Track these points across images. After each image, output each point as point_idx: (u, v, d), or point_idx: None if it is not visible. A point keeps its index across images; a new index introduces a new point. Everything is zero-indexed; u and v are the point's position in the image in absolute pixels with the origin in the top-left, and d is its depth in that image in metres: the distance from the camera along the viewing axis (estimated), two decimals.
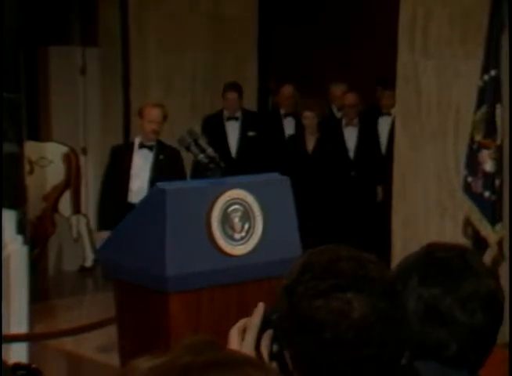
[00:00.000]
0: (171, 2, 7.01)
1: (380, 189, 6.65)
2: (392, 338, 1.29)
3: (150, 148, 5.29)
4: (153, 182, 5.11)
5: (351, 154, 6.63)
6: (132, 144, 5.39)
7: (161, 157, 5.26)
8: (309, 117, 6.27)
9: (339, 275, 1.29)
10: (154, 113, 5.27)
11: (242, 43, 7.37)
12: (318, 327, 1.27)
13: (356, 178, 6.62)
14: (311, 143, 6.36)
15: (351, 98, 6.67)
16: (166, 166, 5.23)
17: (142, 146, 5.30)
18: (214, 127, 6.57)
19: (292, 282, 1.31)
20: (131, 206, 5.10)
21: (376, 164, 6.58)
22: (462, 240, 4.34)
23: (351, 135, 6.65)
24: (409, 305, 1.50)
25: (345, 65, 7.88)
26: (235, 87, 6.60)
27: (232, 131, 6.69)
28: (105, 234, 5.08)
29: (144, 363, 0.98)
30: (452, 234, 4.56)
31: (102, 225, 5.23)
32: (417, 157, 5.01)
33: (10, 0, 4.95)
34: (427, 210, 4.96)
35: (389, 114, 6.91)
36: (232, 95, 6.55)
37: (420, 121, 4.97)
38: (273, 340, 1.37)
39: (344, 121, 6.69)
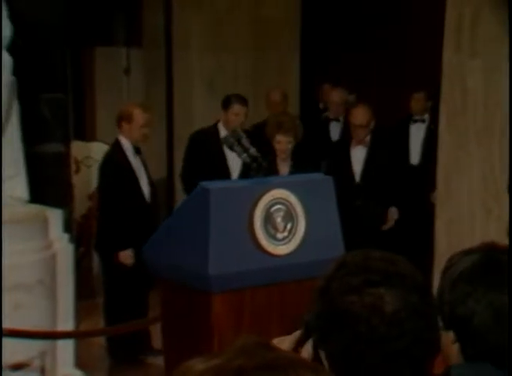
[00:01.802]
0: (213, 4, 7.05)
1: (393, 211, 5.69)
2: (424, 333, 1.31)
3: (139, 152, 5.24)
4: (152, 183, 5.29)
5: (357, 178, 5.67)
6: (121, 149, 5.15)
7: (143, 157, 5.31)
8: (283, 142, 5.14)
9: (372, 271, 1.33)
10: (146, 118, 5.12)
11: (284, 44, 7.38)
12: (352, 321, 1.30)
13: (362, 207, 5.63)
14: (284, 171, 5.26)
15: (359, 117, 5.57)
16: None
17: (137, 151, 5.19)
18: (208, 146, 5.56)
19: (327, 280, 1.35)
20: (147, 208, 5.21)
21: (390, 185, 5.64)
22: (506, 241, 4.29)
23: (359, 156, 5.67)
24: (477, 310, 1.52)
25: (391, 67, 7.83)
26: (244, 100, 5.58)
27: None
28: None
29: (198, 364, 0.99)
30: (497, 235, 4.50)
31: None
32: (462, 158, 4.97)
33: (57, 2, 5.04)
34: (471, 211, 4.91)
35: (422, 121, 6.48)
36: (242, 110, 5.49)
37: (466, 121, 4.93)
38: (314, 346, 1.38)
39: (353, 142, 5.71)
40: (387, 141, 5.97)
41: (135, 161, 5.17)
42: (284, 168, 5.27)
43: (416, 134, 6.47)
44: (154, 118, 7.35)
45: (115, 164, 5.13)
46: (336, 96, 6.75)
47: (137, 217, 5.13)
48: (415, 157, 6.51)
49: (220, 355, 1.00)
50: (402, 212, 5.79)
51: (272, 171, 5.08)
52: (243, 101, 5.56)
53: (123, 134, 5.13)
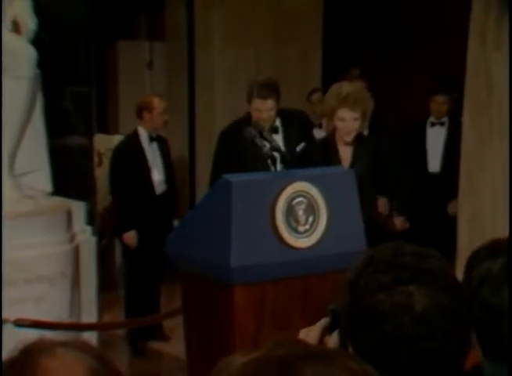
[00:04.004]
0: None
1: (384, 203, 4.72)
2: (455, 332, 1.28)
3: (158, 141, 5.43)
4: (167, 172, 5.44)
5: None
6: (137, 137, 5.37)
7: (165, 147, 5.49)
8: (348, 119, 4.26)
9: (401, 268, 1.31)
10: (163, 105, 5.38)
11: (307, 36, 7.36)
12: (380, 320, 1.28)
13: None
14: (346, 158, 4.45)
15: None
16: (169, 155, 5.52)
17: (151, 138, 5.37)
18: (243, 143, 4.39)
19: (355, 275, 1.33)
20: (158, 198, 5.39)
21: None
22: None
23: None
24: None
25: (415, 59, 7.77)
26: (268, 92, 4.69)
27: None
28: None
29: (238, 358, 0.97)
30: None
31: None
32: (485, 152, 4.94)
33: None
34: (493, 206, 4.88)
35: (441, 124, 5.96)
36: (265, 104, 4.64)
37: (490, 116, 4.89)
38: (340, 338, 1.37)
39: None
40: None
41: (149, 150, 5.37)
42: (347, 151, 4.36)
43: (435, 139, 5.91)
44: (176, 111, 7.40)
45: (126, 152, 5.36)
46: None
47: (143, 202, 5.33)
48: (434, 164, 5.92)
49: (258, 349, 0.99)
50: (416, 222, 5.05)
51: (331, 159, 4.25)
52: (267, 93, 4.67)
53: (143, 124, 5.38)
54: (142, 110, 5.34)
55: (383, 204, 4.74)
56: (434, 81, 6.84)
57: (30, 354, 1.13)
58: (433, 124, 6.01)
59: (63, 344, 1.15)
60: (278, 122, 4.82)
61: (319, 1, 7.44)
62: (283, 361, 0.95)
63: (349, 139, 4.29)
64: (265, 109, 4.66)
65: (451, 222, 5.39)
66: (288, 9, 7.19)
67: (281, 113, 4.84)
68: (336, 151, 4.34)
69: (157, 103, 5.33)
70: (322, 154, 4.30)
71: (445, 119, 6.02)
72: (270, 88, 4.70)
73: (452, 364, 1.31)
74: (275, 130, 4.72)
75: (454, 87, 6.56)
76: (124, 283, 5.62)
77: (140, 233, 5.34)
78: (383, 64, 7.73)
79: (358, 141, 4.37)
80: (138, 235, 5.33)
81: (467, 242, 4.94)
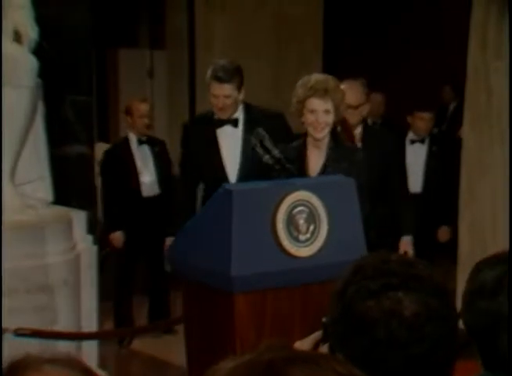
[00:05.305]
0: (236, 4, 7.06)
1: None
2: (444, 337, 1.30)
3: (149, 143, 5.52)
4: (160, 175, 5.48)
5: None
6: (126, 142, 5.51)
7: (156, 149, 5.54)
8: (319, 111, 3.69)
9: (390, 274, 1.32)
10: (143, 108, 5.46)
11: (307, 43, 7.38)
12: (370, 327, 1.29)
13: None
14: (315, 164, 3.89)
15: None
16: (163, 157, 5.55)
17: (140, 142, 5.47)
18: (202, 136, 4.22)
19: (344, 284, 1.34)
20: (145, 200, 5.50)
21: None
22: None
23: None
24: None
25: (414, 63, 7.79)
26: (233, 73, 4.06)
27: (228, 144, 4.18)
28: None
29: (227, 363, 0.98)
30: None
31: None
32: (485, 159, 4.94)
33: (83, 4, 5.08)
34: (494, 212, 4.88)
35: (421, 141, 5.62)
36: (220, 89, 3.99)
37: (490, 122, 4.90)
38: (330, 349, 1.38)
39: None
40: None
41: (139, 153, 5.48)
42: (316, 158, 3.81)
43: (415, 157, 5.54)
44: (177, 119, 7.41)
45: (113, 156, 5.51)
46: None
47: (130, 205, 5.45)
48: (416, 184, 5.45)
49: (248, 354, 1.00)
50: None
51: (299, 167, 3.77)
52: (224, 77, 4.02)
53: (128, 128, 5.54)
54: (126, 115, 5.50)
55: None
56: (434, 79, 6.86)
57: (17, 370, 1.11)
58: (413, 142, 5.66)
59: (51, 360, 1.14)
60: (241, 115, 4.20)
61: (320, 5, 7.46)
62: (271, 365, 0.95)
63: (320, 135, 3.69)
64: (220, 95, 4.01)
65: (438, 248, 5.38)
66: (289, 15, 7.20)
67: (250, 107, 4.26)
68: (303, 157, 3.79)
69: (135, 107, 5.44)
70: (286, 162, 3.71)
71: (425, 136, 5.70)
72: (229, 72, 4.06)
73: (441, 369, 1.31)
74: (234, 122, 4.17)
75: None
76: (113, 287, 5.64)
77: (128, 235, 5.46)
78: (383, 68, 7.74)
79: (335, 146, 3.81)
80: (125, 237, 5.45)
81: (468, 250, 4.94)
